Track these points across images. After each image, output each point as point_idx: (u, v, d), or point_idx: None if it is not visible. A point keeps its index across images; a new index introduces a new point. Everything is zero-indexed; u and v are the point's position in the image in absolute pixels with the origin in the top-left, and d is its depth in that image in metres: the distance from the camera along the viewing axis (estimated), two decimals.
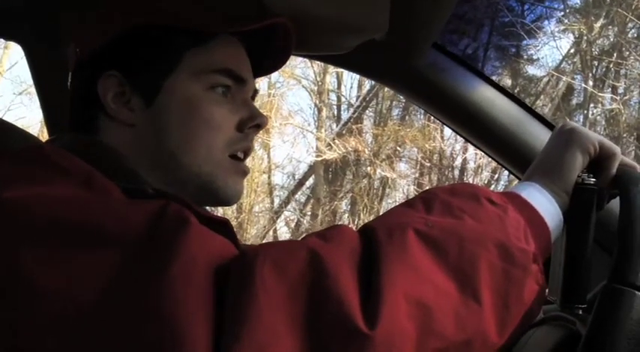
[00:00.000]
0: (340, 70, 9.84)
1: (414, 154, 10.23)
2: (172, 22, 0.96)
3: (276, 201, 11.34)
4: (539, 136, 1.57)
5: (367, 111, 10.45)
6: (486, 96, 1.53)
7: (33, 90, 1.75)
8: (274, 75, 10.48)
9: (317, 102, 10.38)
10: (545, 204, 0.84)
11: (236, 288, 0.64)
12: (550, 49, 12.28)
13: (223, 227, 0.85)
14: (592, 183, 0.89)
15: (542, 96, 9.93)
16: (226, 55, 0.99)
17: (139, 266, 0.65)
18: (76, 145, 0.90)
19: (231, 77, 0.98)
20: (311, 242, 0.70)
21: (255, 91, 1.06)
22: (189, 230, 0.68)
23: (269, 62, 1.12)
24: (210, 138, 0.95)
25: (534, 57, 10.04)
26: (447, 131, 9.63)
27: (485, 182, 10.08)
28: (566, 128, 0.94)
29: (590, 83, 9.43)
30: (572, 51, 9.72)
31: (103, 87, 0.93)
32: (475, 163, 10.09)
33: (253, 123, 1.00)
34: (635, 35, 9.51)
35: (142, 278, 0.64)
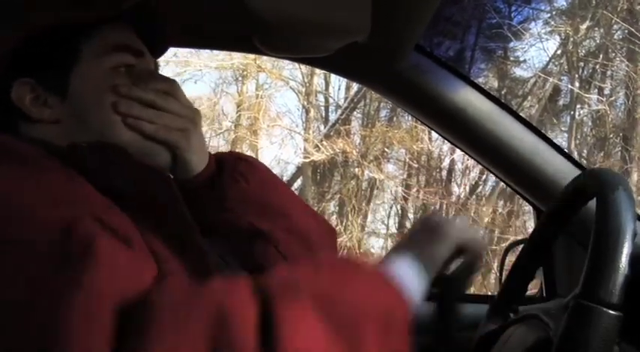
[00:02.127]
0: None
1: (402, 155, 10.23)
2: (58, 23, 1.00)
3: None
4: (520, 137, 1.58)
5: (355, 112, 10.44)
6: (468, 97, 1.54)
7: None
8: (262, 76, 10.47)
9: (305, 103, 10.36)
10: (413, 279, 0.87)
11: (135, 333, 0.64)
12: (537, 50, 12.32)
13: (159, 176, 0.92)
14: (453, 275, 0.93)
15: (529, 98, 9.95)
16: (119, 33, 1.03)
17: (43, 286, 0.67)
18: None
19: (130, 52, 1.02)
20: (215, 294, 0.71)
21: (156, 65, 1.10)
22: (97, 259, 0.69)
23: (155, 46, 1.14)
24: None
25: (521, 58, 10.08)
26: (435, 132, 9.64)
27: (473, 183, 10.11)
28: (431, 222, 0.94)
29: (577, 84, 9.46)
30: (558, 52, 9.75)
31: (17, 95, 0.96)
32: (463, 164, 10.11)
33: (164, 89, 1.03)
34: (621, 37, 9.54)
35: (44, 302, 0.66)
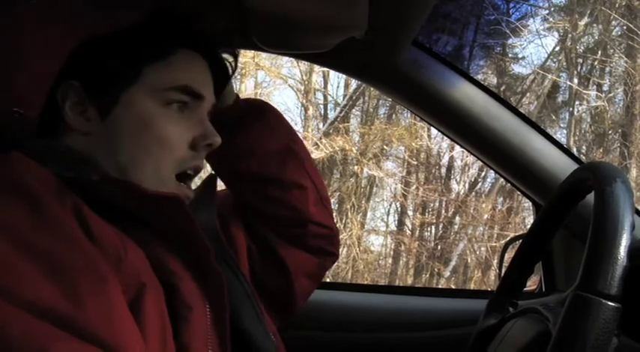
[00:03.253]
0: (327, 69, 9.83)
1: (401, 153, 10.23)
2: (134, 36, 0.98)
3: None
4: (519, 132, 1.58)
5: (354, 110, 10.43)
6: (466, 92, 1.54)
7: None
8: (261, 74, 10.47)
9: (303, 101, 10.36)
10: None
11: None
12: (535, 47, 12.36)
13: (171, 201, 0.89)
14: None
15: (527, 94, 9.95)
16: (185, 70, 1.00)
17: None
18: (41, 146, 0.93)
19: (189, 94, 1.00)
20: None
21: (211, 106, 1.07)
22: None
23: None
24: (160, 156, 0.96)
25: (520, 55, 10.08)
26: (434, 130, 9.60)
27: (472, 180, 10.11)
28: None
29: (575, 81, 9.46)
30: (557, 49, 9.74)
31: (61, 95, 0.95)
32: (462, 161, 10.10)
33: (206, 142, 1.01)
34: (620, 33, 9.54)
35: None
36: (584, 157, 9.11)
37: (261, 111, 1.24)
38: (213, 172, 1.20)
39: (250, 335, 0.99)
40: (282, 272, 1.24)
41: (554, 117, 9.82)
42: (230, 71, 1.17)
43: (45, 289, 0.71)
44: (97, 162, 0.93)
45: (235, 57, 1.18)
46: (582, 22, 9.23)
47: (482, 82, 1.61)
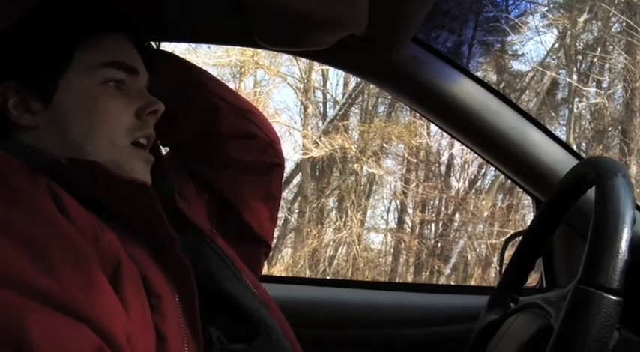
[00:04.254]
0: (326, 67, 9.82)
1: (401, 151, 10.23)
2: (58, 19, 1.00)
3: None
4: (519, 127, 1.58)
5: (353, 108, 10.43)
6: (466, 88, 1.54)
7: None
8: (260, 73, 10.47)
9: (303, 99, 10.35)
10: None
11: None
12: (534, 44, 12.36)
13: (140, 188, 0.91)
14: None
15: (527, 91, 9.95)
16: (114, 48, 1.03)
17: None
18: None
19: (123, 69, 1.03)
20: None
21: (148, 80, 1.10)
22: None
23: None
24: (109, 129, 0.99)
25: (519, 52, 10.08)
26: (434, 127, 9.64)
27: (472, 177, 10.11)
28: None
29: (575, 77, 9.46)
30: (556, 46, 9.74)
31: (2, 97, 0.97)
32: (462, 159, 10.11)
33: (149, 109, 1.04)
34: (619, 29, 9.54)
35: None
36: (583, 154, 9.10)
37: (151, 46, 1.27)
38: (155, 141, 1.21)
39: (233, 295, 1.00)
40: (225, 202, 1.27)
41: (553, 114, 9.82)
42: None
43: (23, 266, 0.71)
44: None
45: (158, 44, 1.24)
46: (581, 19, 9.23)
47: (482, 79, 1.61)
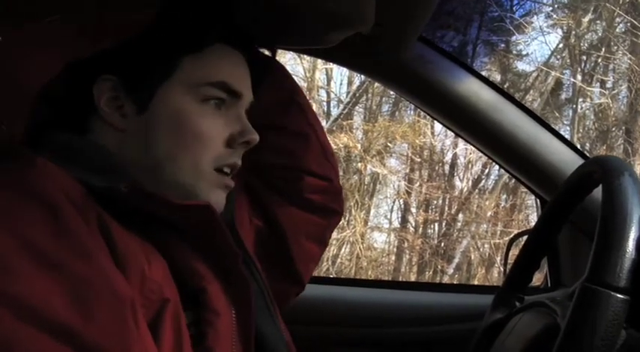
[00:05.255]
0: (330, 66, 9.83)
1: (405, 150, 10.22)
2: (170, 29, 0.96)
3: None
4: (525, 127, 1.58)
5: (357, 107, 10.43)
6: (471, 87, 1.54)
7: None
8: None
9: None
10: None
11: None
12: (539, 44, 12.32)
13: (202, 211, 0.88)
14: None
15: (531, 91, 9.93)
16: (223, 66, 0.98)
17: None
18: (65, 144, 0.91)
19: (226, 90, 0.97)
20: None
21: (251, 104, 1.05)
22: None
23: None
24: (197, 152, 0.94)
25: (523, 52, 10.07)
26: (437, 127, 9.64)
27: (476, 177, 10.10)
28: None
29: (579, 78, 9.45)
30: (560, 46, 9.73)
31: (98, 90, 0.92)
32: (465, 158, 10.10)
33: (243, 139, 0.99)
34: (624, 30, 9.52)
35: None
36: (588, 154, 9.09)
37: (265, 62, 1.21)
38: None
39: (262, 333, 0.98)
40: (279, 234, 1.22)
41: (557, 114, 9.81)
42: (268, 67, 1.16)
43: (56, 303, 0.69)
44: (126, 167, 0.91)
45: (273, 53, 1.18)
46: (586, 19, 9.22)
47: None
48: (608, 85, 9.83)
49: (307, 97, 1.31)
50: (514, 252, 1.68)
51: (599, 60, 9.63)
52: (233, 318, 0.89)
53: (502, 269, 2.29)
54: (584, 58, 9.70)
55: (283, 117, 1.22)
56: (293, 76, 1.31)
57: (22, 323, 0.67)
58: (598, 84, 9.82)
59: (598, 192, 0.93)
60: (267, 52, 1.25)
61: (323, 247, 1.30)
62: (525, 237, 1.24)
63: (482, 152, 1.69)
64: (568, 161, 1.59)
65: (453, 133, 1.70)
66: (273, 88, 1.22)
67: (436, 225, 10.29)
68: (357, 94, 10.21)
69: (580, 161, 1.58)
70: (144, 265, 0.80)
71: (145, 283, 0.79)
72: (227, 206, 1.02)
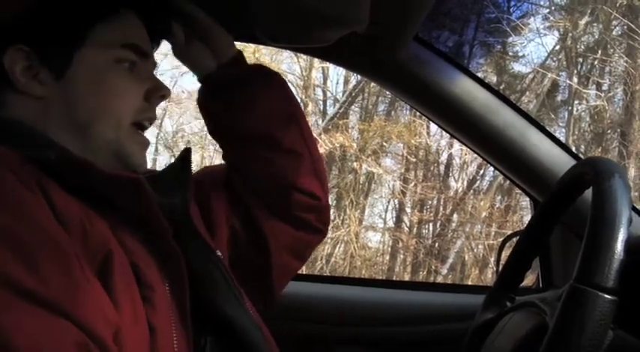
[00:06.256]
0: (326, 65, 9.82)
1: (400, 150, 10.23)
2: None
3: None
4: (519, 128, 1.59)
5: (353, 106, 10.43)
6: (466, 88, 1.55)
7: None
8: None
9: (303, 97, 10.34)
10: None
11: None
12: (535, 45, 12.35)
13: (132, 184, 0.89)
14: None
15: (527, 93, 9.95)
16: (131, 30, 1.03)
17: None
18: None
19: (137, 52, 1.02)
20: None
21: (155, 65, 1.10)
22: None
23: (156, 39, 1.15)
24: (118, 107, 0.99)
25: (520, 54, 10.08)
26: (433, 127, 9.64)
27: (471, 178, 10.11)
28: None
29: (575, 80, 9.47)
30: (557, 48, 9.75)
31: (10, 61, 0.93)
32: (461, 159, 10.11)
33: (159, 93, 1.05)
34: (620, 32, 9.55)
35: None
36: (582, 156, 9.10)
37: (266, 74, 1.25)
38: (187, 146, 1.18)
39: (231, 318, 0.98)
40: (260, 244, 1.22)
41: (553, 115, 9.83)
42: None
43: (6, 264, 0.71)
44: (51, 136, 0.93)
45: (167, 18, 1.19)
46: (583, 21, 9.24)
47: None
48: (604, 87, 9.85)
49: (303, 102, 1.31)
50: (507, 252, 1.69)
51: (596, 62, 9.65)
52: (167, 293, 0.89)
53: (495, 269, 2.29)
54: (581, 60, 9.72)
55: (279, 131, 1.22)
56: (290, 86, 1.33)
57: None
58: (594, 86, 9.85)
59: (590, 193, 0.93)
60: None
61: (301, 263, 1.31)
62: (518, 238, 1.24)
63: (476, 153, 1.70)
64: (561, 162, 1.60)
65: (444, 131, 1.70)
66: (272, 98, 1.24)
67: (430, 225, 10.30)
68: (354, 93, 10.21)
69: (572, 162, 1.58)
70: (84, 222, 0.82)
71: (87, 237, 0.81)
72: (182, 193, 1.05)
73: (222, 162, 1.28)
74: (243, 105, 1.20)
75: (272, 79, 1.25)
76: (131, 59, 1.02)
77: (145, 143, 1.04)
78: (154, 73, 1.10)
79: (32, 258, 0.73)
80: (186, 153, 1.13)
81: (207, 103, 1.24)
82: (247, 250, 1.22)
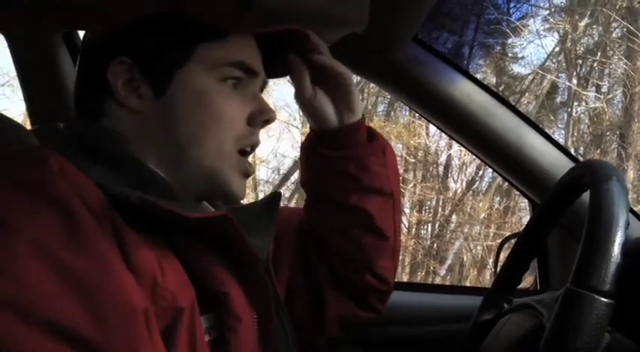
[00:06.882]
0: None
1: (399, 150, 10.23)
2: (187, 15, 0.95)
3: (261, 195, 11.31)
4: (517, 130, 1.59)
5: None
6: (465, 89, 1.55)
7: (15, 82, 1.76)
8: None
9: None
10: None
11: None
12: (535, 47, 12.37)
13: (221, 222, 0.85)
14: None
15: (526, 94, 9.97)
16: (238, 47, 0.97)
17: None
18: (85, 132, 0.90)
19: (243, 69, 0.97)
20: None
21: (264, 83, 1.04)
22: None
23: (275, 65, 1.08)
24: (220, 133, 0.93)
25: (519, 55, 10.09)
26: (432, 128, 9.65)
27: (470, 179, 10.12)
28: None
29: (575, 81, 9.48)
30: (556, 49, 9.77)
31: (113, 72, 0.91)
32: (460, 160, 10.12)
33: (263, 117, 0.98)
34: (619, 34, 9.56)
35: None
36: (581, 158, 9.12)
37: (382, 147, 1.18)
38: (277, 191, 1.15)
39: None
40: (314, 307, 1.18)
41: (552, 117, 9.84)
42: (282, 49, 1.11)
43: (68, 309, 0.67)
44: (147, 153, 0.91)
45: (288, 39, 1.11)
46: (582, 23, 9.25)
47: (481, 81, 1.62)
48: (604, 89, 9.87)
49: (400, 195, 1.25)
50: (505, 254, 1.69)
51: (595, 64, 9.67)
52: (255, 323, 0.88)
53: (493, 270, 2.29)
54: (580, 62, 9.73)
55: (375, 210, 1.15)
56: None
57: (33, 329, 0.65)
58: (593, 88, 9.86)
59: (588, 195, 0.93)
60: None
61: (343, 333, 1.24)
62: (516, 239, 1.24)
63: (474, 154, 1.70)
64: (559, 164, 1.60)
65: (442, 131, 1.69)
66: (380, 174, 1.16)
67: (429, 225, 10.31)
68: None
69: (571, 164, 1.58)
70: (157, 273, 0.78)
71: (158, 291, 0.78)
72: (262, 233, 1.02)
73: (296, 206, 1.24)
74: (350, 173, 1.13)
75: (386, 152, 1.18)
76: (236, 76, 0.96)
77: (248, 172, 0.98)
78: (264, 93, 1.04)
79: (97, 306, 0.69)
80: (274, 198, 1.09)
81: (314, 153, 1.16)
82: (301, 306, 1.17)
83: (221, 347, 0.84)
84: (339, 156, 1.13)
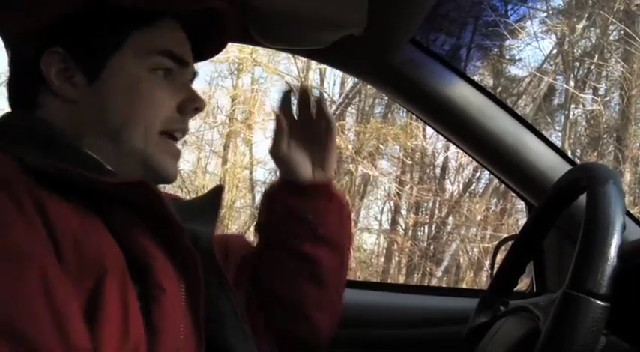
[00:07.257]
0: (323, 66, 9.82)
1: (396, 152, 10.24)
2: (115, 2, 0.96)
3: (258, 197, 11.31)
4: (514, 132, 1.59)
5: (349, 108, 10.45)
6: (462, 91, 1.55)
7: None
8: (257, 71, 10.46)
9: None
10: None
11: None
12: (532, 49, 12.36)
13: (140, 187, 0.88)
14: None
15: (523, 97, 9.97)
16: (169, 37, 1.01)
17: None
18: (12, 121, 0.94)
19: (173, 59, 1.00)
20: None
21: (194, 74, 1.07)
22: None
23: (207, 49, 1.11)
24: (148, 115, 0.96)
25: (517, 57, 10.10)
26: (429, 129, 9.64)
27: (467, 180, 10.12)
28: None
29: (572, 84, 9.48)
30: (554, 52, 9.77)
31: (46, 63, 0.94)
32: (457, 162, 10.12)
33: (193, 105, 1.02)
34: (617, 37, 9.56)
35: None
36: (578, 160, 9.13)
37: (341, 207, 1.20)
38: (220, 184, 1.17)
39: (231, 345, 0.98)
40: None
41: (549, 119, 9.84)
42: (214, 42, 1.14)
43: None
44: (81, 139, 0.94)
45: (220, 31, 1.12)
46: (580, 26, 9.25)
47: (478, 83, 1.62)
48: (601, 92, 9.88)
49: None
50: (501, 256, 1.69)
51: (592, 67, 9.68)
52: (182, 293, 0.89)
53: (489, 272, 2.29)
54: (577, 64, 9.74)
55: (325, 259, 1.17)
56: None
57: None
58: (590, 90, 9.86)
59: (584, 198, 0.93)
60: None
61: None
62: (512, 242, 1.24)
63: (471, 156, 1.70)
64: (556, 167, 1.60)
65: (439, 134, 1.70)
66: (340, 230, 1.19)
67: (426, 227, 10.31)
68: (350, 95, 10.23)
69: (568, 167, 1.58)
70: (78, 233, 0.81)
71: (79, 249, 0.80)
72: (205, 223, 1.04)
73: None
74: (308, 220, 1.15)
75: (343, 211, 1.20)
76: (167, 66, 0.99)
77: (176, 153, 1.02)
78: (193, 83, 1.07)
79: None
80: (216, 191, 1.11)
81: (278, 198, 1.18)
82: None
83: (146, 317, 0.84)
84: (301, 204, 1.15)
